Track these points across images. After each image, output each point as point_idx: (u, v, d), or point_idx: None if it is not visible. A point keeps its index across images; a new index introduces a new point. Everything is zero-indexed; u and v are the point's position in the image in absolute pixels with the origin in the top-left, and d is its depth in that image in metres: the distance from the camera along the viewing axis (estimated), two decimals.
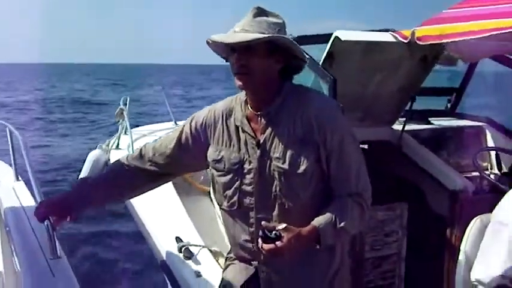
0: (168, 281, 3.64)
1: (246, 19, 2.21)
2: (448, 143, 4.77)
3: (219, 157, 2.37)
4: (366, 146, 4.69)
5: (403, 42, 3.60)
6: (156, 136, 6.07)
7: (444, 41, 3.26)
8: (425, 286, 3.80)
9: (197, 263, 3.44)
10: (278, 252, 2.06)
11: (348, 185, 2.26)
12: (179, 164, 2.59)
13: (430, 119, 5.16)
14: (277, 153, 2.24)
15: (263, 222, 2.13)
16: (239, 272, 2.49)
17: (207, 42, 2.28)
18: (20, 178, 4.08)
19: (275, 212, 2.27)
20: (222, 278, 2.62)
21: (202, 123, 2.45)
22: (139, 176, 2.60)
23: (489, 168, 4.86)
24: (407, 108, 4.35)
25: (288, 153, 2.22)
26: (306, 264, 2.33)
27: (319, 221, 2.17)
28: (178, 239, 3.62)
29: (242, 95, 2.38)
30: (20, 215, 3.14)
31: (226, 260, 2.66)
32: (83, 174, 5.61)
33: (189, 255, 3.50)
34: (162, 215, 4.11)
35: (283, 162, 2.22)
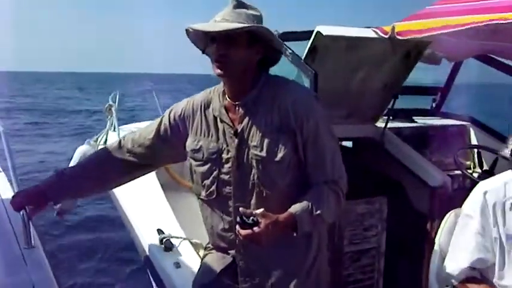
0: (149, 272, 3.68)
1: (226, 10, 2.26)
2: (431, 141, 4.81)
3: (198, 147, 2.41)
4: (350, 143, 4.77)
5: (385, 38, 3.63)
6: None
7: (424, 35, 3.28)
8: (405, 281, 3.84)
9: (178, 254, 3.48)
10: (255, 237, 2.08)
11: (324, 172, 2.30)
12: (158, 155, 2.61)
13: (415, 117, 5.21)
14: (255, 142, 2.28)
15: (241, 209, 2.15)
16: (216, 261, 2.52)
17: (187, 31, 2.32)
18: (0, 170, 4.05)
19: (253, 200, 2.30)
20: (200, 267, 2.66)
21: (181, 114, 2.49)
22: (118, 167, 2.62)
23: (472, 166, 4.91)
24: (390, 106, 4.37)
25: (266, 141, 2.26)
26: (283, 253, 2.36)
27: (296, 208, 2.21)
28: (159, 231, 3.66)
29: (220, 87, 2.42)
30: None
31: (205, 250, 2.69)
32: None
33: (170, 246, 3.53)
34: (144, 208, 4.14)
35: (261, 150, 2.26)
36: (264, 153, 2.26)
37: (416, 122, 5.14)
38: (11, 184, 2.94)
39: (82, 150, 5.75)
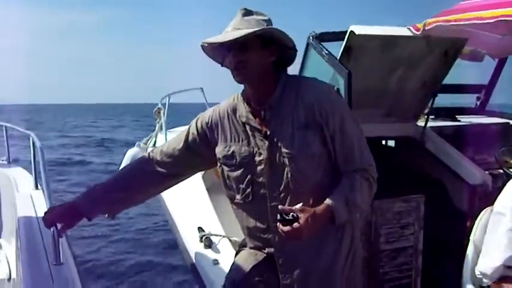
0: (189, 268, 3.80)
1: (236, 19, 2.35)
2: (473, 140, 4.74)
3: (230, 152, 2.47)
4: (392, 142, 4.78)
5: (420, 36, 3.66)
6: None
7: (451, 23, 3.29)
8: (443, 279, 3.81)
9: (216, 251, 3.59)
10: (296, 232, 2.13)
11: (353, 162, 2.34)
12: (188, 164, 2.66)
13: (458, 116, 5.16)
14: (285, 141, 2.33)
15: (280, 206, 2.20)
16: (248, 258, 2.58)
17: (202, 46, 2.41)
18: (39, 187, 4.17)
19: (288, 197, 2.35)
20: (232, 264, 2.71)
21: (209, 122, 2.55)
22: (150, 179, 2.66)
23: None
24: (430, 104, 4.36)
25: (295, 138, 2.32)
26: (319, 247, 2.40)
27: (331, 199, 2.26)
28: (200, 229, 3.78)
29: (242, 93, 2.49)
30: (31, 223, 3.23)
31: (238, 247, 2.76)
32: None
33: (209, 244, 3.65)
34: (188, 207, 4.28)
35: (292, 148, 2.32)
36: (295, 151, 2.32)
37: (459, 120, 5.09)
38: (47, 201, 2.94)
39: (132, 153, 5.99)
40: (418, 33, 3.53)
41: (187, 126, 2.65)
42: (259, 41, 2.30)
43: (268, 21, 2.37)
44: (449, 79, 4.62)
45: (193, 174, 2.76)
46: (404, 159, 4.45)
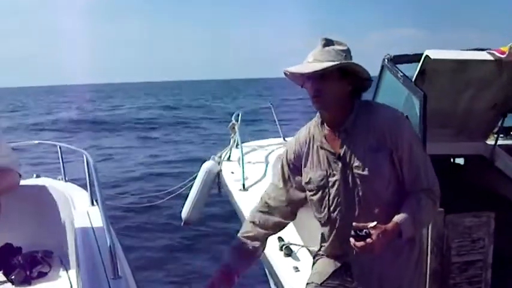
0: (269, 276, 4.06)
1: (317, 50, 2.57)
2: None
3: (308, 179, 2.72)
4: (462, 160, 4.95)
5: (493, 60, 3.84)
6: (267, 151, 6.58)
7: None
8: None
9: (296, 259, 3.84)
10: (369, 247, 2.36)
11: (420, 182, 2.55)
12: (295, 200, 2.85)
13: None
14: (357, 163, 2.55)
15: (354, 223, 2.42)
16: (327, 264, 2.82)
17: (285, 73, 2.65)
18: (94, 203, 4.31)
19: (360, 215, 2.57)
20: (314, 268, 2.94)
21: (294, 154, 2.80)
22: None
23: None
24: (500, 124, 4.52)
25: (367, 161, 2.53)
26: (390, 258, 2.59)
27: (399, 217, 2.46)
28: (280, 239, 4.05)
29: (317, 118, 2.72)
30: (89, 239, 3.39)
31: (315, 255, 2.98)
32: (197, 182, 6.22)
33: (289, 252, 3.91)
34: None
35: (363, 170, 2.53)
36: (366, 172, 2.53)
37: None
38: (103, 217, 3.06)
39: (208, 166, 6.32)
40: (502, 56, 3.64)
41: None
42: (337, 73, 2.50)
43: (347, 51, 2.57)
44: None
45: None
46: (473, 176, 4.63)
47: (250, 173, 5.66)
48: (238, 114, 7.28)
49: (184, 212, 6.29)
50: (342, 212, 2.63)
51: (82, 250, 3.21)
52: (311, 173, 2.69)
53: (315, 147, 2.69)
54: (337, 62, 2.48)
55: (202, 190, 6.21)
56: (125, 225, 9.84)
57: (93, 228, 3.64)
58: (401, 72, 3.99)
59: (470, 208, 3.94)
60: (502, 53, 3.63)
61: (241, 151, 5.91)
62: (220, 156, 6.55)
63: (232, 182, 5.63)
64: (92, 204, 4.36)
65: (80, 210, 4.20)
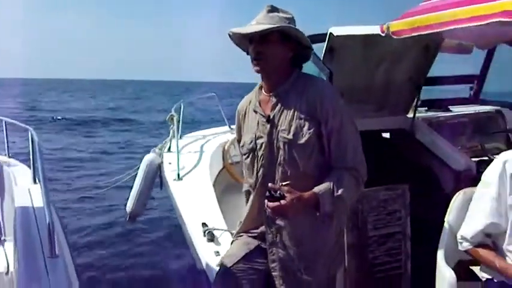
0: (194, 260, 4.10)
1: (261, 14, 2.62)
2: (465, 129, 4.97)
3: (242, 143, 2.80)
4: (387, 134, 5.03)
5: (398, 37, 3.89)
6: (207, 139, 6.60)
7: (414, 34, 3.44)
8: (431, 262, 4.03)
9: (218, 244, 3.87)
10: (281, 209, 2.42)
11: (345, 159, 2.59)
12: None
13: (452, 107, 5.38)
14: (284, 126, 2.60)
15: (269, 184, 2.48)
16: (241, 247, 2.84)
17: (229, 35, 2.69)
18: (37, 181, 4.23)
19: (280, 180, 2.60)
20: (227, 250, 2.98)
21: (238, 115, 2.87)
22: None
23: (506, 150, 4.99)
24: (417, 97, 4.60)
25: (293, 126, 2.58)
26: (307, 230, 2.65)
27: (319, 188, 2.52)
28: (204, 225, 4.09)
29: (257, 86, 2.78)
30: (28, 217, 3.32)
31: (233, 237, 3.01)
32: (139, 175, 6.19)
33: (212, 238, 3.94)
34: (195, 204, 4.60)
35: (288, 133, 2.58)
36: (290, 136, 2.58)
37: (451, 111, 5.30)
38: (44, 195, 2.99)
39: (148, 158, 6.29)
40: (382, 34, 3.65)
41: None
42: (279, 37, 2.56)
43: (291, 20, 2.62)
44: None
45: None
46: (398, 149, 4.70)
47: (188, 162, 5.67)
48: (180, 105, 7.27)
49: (129, 206, 6.27)
50: (265, 175, 2.67)
51: (20, 227, 3.18)
52: (244, 137, 2.77)
53: (250, 111, 2.75)
54: (279, 25, 2.53)
55: (145, 183, 6.17)
56: (70, 207, 10.04)
57: (33, 206, 3.58)
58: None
59: (387, 181, 4.00)
60: (382, 31, 3.64)
61: (177, 140, 5.92)
62: (160, 148, 6.53)
63: (169, 172, 5.64)
64: (35, 182, 4.30)
65: (22, 187, 4.17)
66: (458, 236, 2.81)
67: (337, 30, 3.88)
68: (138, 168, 6.36)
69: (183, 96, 6.85)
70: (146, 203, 6.37)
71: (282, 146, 2.60)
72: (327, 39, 3.94)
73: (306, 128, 2.56)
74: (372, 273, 3.93)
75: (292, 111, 2.59)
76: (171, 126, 6.78)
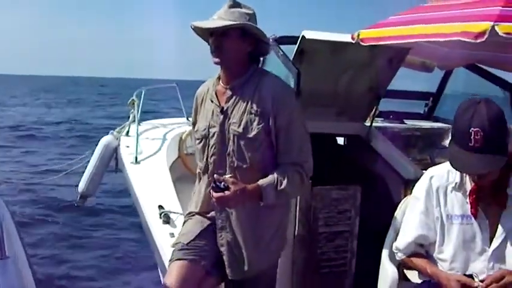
0: (149, 241, 4.19)
1: (222, 9, 2.75)
2: (418, 142, 5.24)
3: (196, 128, 2.93)
4: (342, 139, 5.23)
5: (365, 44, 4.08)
6: (167, 128, 6.67)
7: (380, 43, 3.64)
8: (375, 261, 4.24)
9: (173, 226, 3.98)
10: (225, 199, 2.57)
11: (291, 155, 2.74)
12: None
13: (407, 120, 5.64)
14: (235, 119, 2.74)
15: (215, 175, 2.65)
16: (195, 224, 2.98)
17: (191, 27, 2.81)
18: None
19: (228, 171, 2.76)
20: (181, 230, 3.09)
21: (197, 100, 2.99)
22: None
23: None
24: (375, 107, 4.81)
25: (244, 119, 2.72)
26: (250, 218, 2.81)
27: (263, 181, 2.67)
28: (160, 207, 4.18)
29: (216, 75, 2.90)
30: None
31: (186, 216, 3.12)
32: (94, 157, 6.20)
33: (167, 220, 4.05)
34: (152, 187, 4.68)
35: (238, 126, 2.72)
36: (240, 129, 2.72)
37: (405, 123, 5.56)
38: None
39: (105, 140, 6.30)
40: (352, 41, 3.79)
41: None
42: (238, 32, 2.70)
43: (251, 15, 2.76)
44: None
45: None
46: (353, 155, 4.91)
47: (147, 148, 5.72)
48: (141, 92, 7.31)
49: (81, 186, 6.27)
50: (215, 163, 2.81)
51: None
52: (199, 123, 2.89)
53: (207, 99, 2.88)
54: (238, 22, 2.66)
55: (100, 164, 6.18)
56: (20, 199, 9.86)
57: None
58: (282, 51, 4.19)
59: (340, 182, 4.19)
60: (352, 38, 3.79)
61: (137, 125, 5.97)
62: (119, 131, 6.55)
63: (126, 155, 5.69)
64: None
65: None
66: (394, 247, 3.00)
67: (310, 34, 4.05)
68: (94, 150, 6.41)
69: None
70: (99, 185, 6.40)
71: (232, 138, 2.75)
72: (299, 41, 4.10)
73: (255, 122, 2.70)
74: (318, 268, 4.13)
75: (244, 105, 2.73)
76: (131, 110, 6.81)
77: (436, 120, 5.84)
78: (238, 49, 2.73)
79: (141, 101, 6.82)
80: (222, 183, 2.57)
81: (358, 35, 3.66)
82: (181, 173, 4.95)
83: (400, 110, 5.84)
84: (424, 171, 4.51)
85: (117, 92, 57.62)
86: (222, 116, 2.78)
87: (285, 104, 2.72)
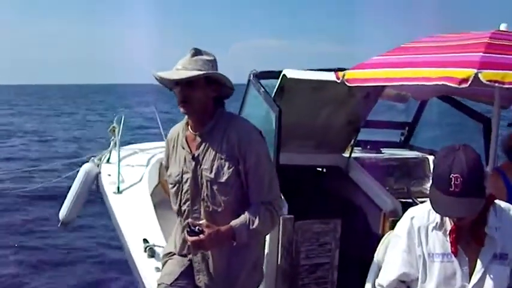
0: (134, 275, 4.25)
1: (185, 58, 2.83)
2: (394, 171, 5.39)
3: (169, 173, 3.02)
4: (323, 170, 5.35)
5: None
6: (148, 154, 6.73)
7: (366, 84, 3.75)
8: None
9: (159, 260, 4.04)
10: (200, 243, 2.66)
11: (261, 194, 2.85)
12: None
13: (384, 149, 5.80)
14: (207, 165, 2.84)
15: (190, 220, 2.76)
16: (176, 264, 3.06)
17: (156, 78, 2.88)
18: None
19: (203, 215, 2.86)
20: (163, 269, 3.16)
21: (168, 145, 3.08)
22: None
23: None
24: (354, 139, 4.95)
25: (215, 165, 2.82)
26: (227, 257, 2.91)
27: (235, 222, 2.77)
28: (145, 241, 4.25)
29: (185, 120, 2.99)
30: None
31: (165, 256, 3.19)
32: (76, 184, 6.23)
33: (152, 254, 4.11)
34: (136, 220, 4.74)
35: (210, 172, 2.83)
36: (212, 175, 2.82)
37: (383, 153, 5.71)
38: None
39: (86, 168, 6.34)
40: (338, 81, 3.88)
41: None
42: (203, 81, 2.79)
43: (214, 62, 2.86)
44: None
45: None
46: (333, 186, 5.03)
47: (128, 176, 5.78)
48: (121, 117, 7.35)
49: (62, 213, 6.29)
50: (189, 207, 2.90)
51: None
52: (171, 169, 2.98)
53: (178, 146, 2.96)
54: (204, 72, 2.74)
55: (81, 191, 6.22)
56: None
57: None
58: (263, 87, 4.30)
59: (320, 215, 4.29)
60: (338, 77, 3.87)
61: (118, 154, 6.01)
62: (100, 159, 6.60)
63: (108, 184, 5.73)
64: None
65: None
66: (376, 284, 3.05)
67: (291, 73, 4.18)
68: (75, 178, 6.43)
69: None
70: (79, 211, 6.43)
71: (205, 183, 2.85)
72: (279, 79, 4.23)
73: (226, 167, 2.81)
74: None
75: (214, 151, 2.83)
76: (112, 137, 6.85)
77: (412, 148, 6.00)
78: (205, 97, 2.82)
79: (121, 127, 6.87)
80: (197, 227, 2.67)
81: (344, 76, 3.75)
82: (163, 198, 5.02)
83: (377, 139, 5.99)
84: (401, 200, 4.71)
85: None
86: (194, 163, 2.87)
87: (251, 146, 2.82)
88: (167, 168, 3.08)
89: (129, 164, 6.26)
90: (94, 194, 6.38)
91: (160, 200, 4.97)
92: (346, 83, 3.79)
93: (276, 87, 4.28)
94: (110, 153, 6.67)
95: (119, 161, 5.86)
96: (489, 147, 3.84)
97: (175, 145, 3.01)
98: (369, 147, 5.71)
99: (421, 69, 3.33)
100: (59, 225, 6.39)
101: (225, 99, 2.98)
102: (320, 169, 5.32)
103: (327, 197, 4.71)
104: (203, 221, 2.71)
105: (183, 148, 2.94)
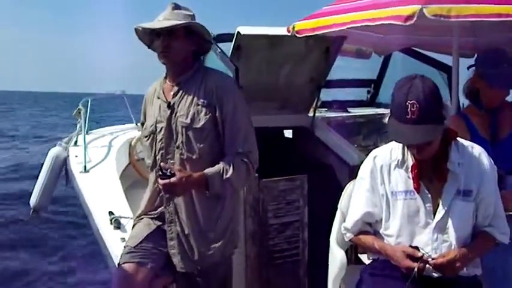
0: (101, 247, 4.17)
1: (166, 11, 2.88)
2: (362, 128, 5.35)
3: (144, 127, 3.01)
4: (290, 132, 5.30)
5: (301, 37, 4.14)
6: (116, 136, 6.64)
7: (315, 33, 3.71)
8: (327, 248, 4.31)
9: (124, 231, 3.98)
10: (171, 186, 2.64)
11: (236, 145, 2.83)
12: None
13: (351, 108, 5.75)
14: (182, 112, 2.83)
15: (162, 163, 2.72)
16: (143, 227, 3.01)
17: (136, 29, 2.91)
18: None
19: (177, 162, 2.82)
20: (131, 233, 3.13)
21: (145, 102, 3.09)
22: None
23: None
24: (317, 97, 4.89)
25: (191, 111, 2.81)
26: (197, 208, 2.85)
27: (209, 170, 2.75)
28: (110, 213, 4.17)
29: (163, 76, 3.00)
30: None
31: (135, 219, 3.16)
32: (44, 169, 6.11)
33: (118, 225, 4.04)
34: (102, 194, 4.66)
35: (186, 118, 2.81)
36: (188, 120, 2.81)
37: (349, 112, 5.67)
38: None
39: (54, 152, 6.22)
40: (288, 34, 3.88)
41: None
42: (184, 32, 2.83)
43: (193, 17, 2.91)
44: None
45: None
46: (299, 147, 4.98)
47: (95, 156, 5.68)
48: (88, 101, 7.24)
49: (33, 200, 6.17)
50: (163, 156, 2.87)
51: None
52: (147, 121, 2.99)
53: (155, 97, 2.97)
54: (185, 21, 2.81)
55: (50, 176, 6.09)
56: None
57: None
58: (220, 48, 4.22)
59: (285, 174, 4.25)
60: (288, 30, 3.87)
61: (84, 133, 5.92)
62: (67, 142, 6.48)
63: (75, 164, 5.64)
64: None
65: None
66: (342, 228, 3.04)
67: (245, 30, 4.11)
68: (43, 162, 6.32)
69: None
70: (51, 197, 6.32)
71: (180, 130, 2.83)
72: (234, 37, 4.15)
73: (202, 113, 2.81)
74: (272, 260, 4.18)
75: (191, 98, 2.84)
76: (78, 120, 6.75)
77: (379, 106, 5.96)
78: (185, 48, 2.86)
79: (88, 110, 6.76)
80: (168, 170, 2.63)
81: (293, 28, 3.75)
82: (134, 179, 4.95)
83: (343, 99, 5.94)
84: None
85: None
86: (169, 111, 2.86)
87: (228, 93, 2.84)
88: (143, 124, 3.07)
89: (97, 146, 6.16)
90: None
91: (131, 181, 4.89)
92: (297, 35, 3.80)
93: (232, 45, 4.20)
94: (77, 136, 6.56)
95: (85, 140, 5.76)
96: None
97: (151, 99, 3.02)
98: (335, 107, 5.66)
99: (366, 12, 3.35)
100: (30, 212, 6.28)
101: (203, 54, 3.07)
102: (286, 134, 5.29)
103: (293, 157, 4.65)
104: (175, 165, 2.69)
105: (159, 98, 2.94)
